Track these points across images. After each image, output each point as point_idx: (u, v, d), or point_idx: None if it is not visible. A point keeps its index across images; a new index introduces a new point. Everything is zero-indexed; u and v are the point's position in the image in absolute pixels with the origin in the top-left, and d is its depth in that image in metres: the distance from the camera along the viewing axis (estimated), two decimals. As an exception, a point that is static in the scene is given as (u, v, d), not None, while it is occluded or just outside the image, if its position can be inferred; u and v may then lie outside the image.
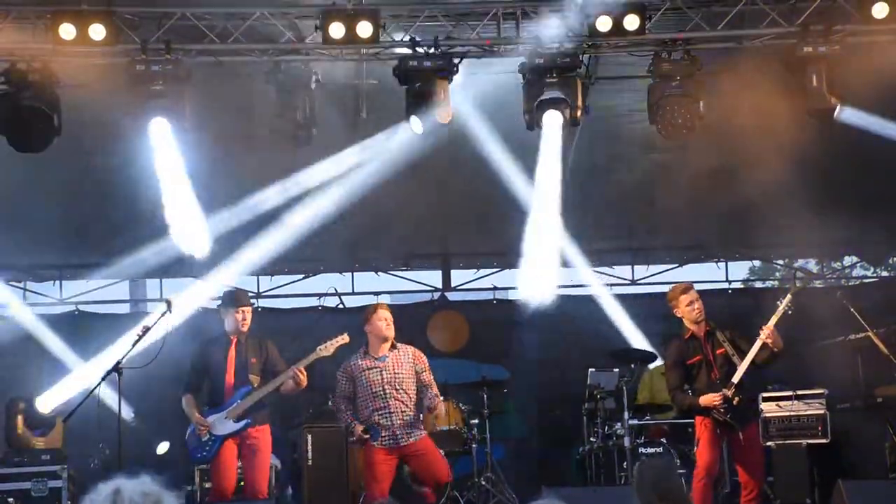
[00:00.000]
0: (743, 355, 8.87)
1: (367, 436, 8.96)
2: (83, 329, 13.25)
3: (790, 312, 8.87)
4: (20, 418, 10.81)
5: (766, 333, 8.75)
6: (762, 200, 11.46)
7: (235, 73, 10.05)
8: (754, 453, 9.12)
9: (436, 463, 9.14)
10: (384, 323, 9.12)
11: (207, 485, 10.03)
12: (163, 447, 11.57)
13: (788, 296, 8.96)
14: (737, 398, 8.77)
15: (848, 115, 9.87)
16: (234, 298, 9.31)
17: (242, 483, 9.63)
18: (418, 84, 9.63)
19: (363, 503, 9.84)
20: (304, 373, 8.95)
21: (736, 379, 8.79)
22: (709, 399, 8.85)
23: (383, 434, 8.95)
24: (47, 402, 11.14)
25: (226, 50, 9.70)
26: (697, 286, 9.48)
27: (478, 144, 11.00)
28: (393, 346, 9.17)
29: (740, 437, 8.86)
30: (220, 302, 9.44)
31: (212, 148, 10.49)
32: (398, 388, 9.03)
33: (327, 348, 9.08)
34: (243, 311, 9.15)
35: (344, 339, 9.14)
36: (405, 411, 9.01)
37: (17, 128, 9.53)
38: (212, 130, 10.28)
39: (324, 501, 10.81)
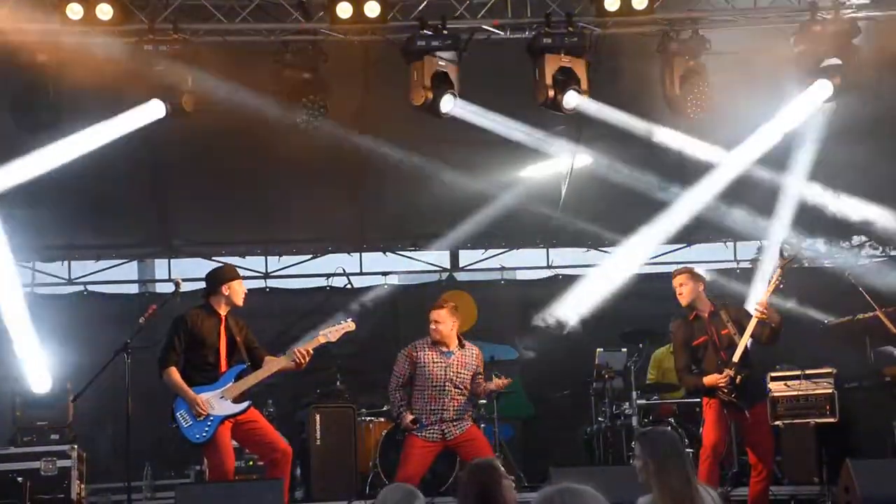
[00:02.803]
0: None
1: (414, 426, 8.98)
2: (91, 309, 13.25)
3: (782, 286, 8.88)
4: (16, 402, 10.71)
5: (759, 309, 8.75)
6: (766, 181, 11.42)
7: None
8: (762, 433, 9.10)
9: (484, 448, 9.11)
10: (432, 325, 9.09)
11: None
12: None
13: (778, 270, 8.96)
14: (738, 377, 8.75)
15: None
16: (234, 271, 8.90)
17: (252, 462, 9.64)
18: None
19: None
20: (311, 354, 8.50)
21: (735, 357, 8.78)
22: (712, 379, 8.84)
23: (431, 428, 8.97)
24: (42, 383, 10.93)
25: (233, 30, 9.70)
26: (706, 266, 9.46)
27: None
28: (461, 345, 9.17)
29: (747, 416, 8.84)
30: (214, 279, 8.74)
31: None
32: (458, 385, 9.06)
33: (332, 334, 8.69)
34: (241, 282, 8.77)
35: (350, 326, 8.79)
36: (457, 408, 9.05)
37: (22, 107, 9.53)
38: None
39: (331, 481, 10.86)
